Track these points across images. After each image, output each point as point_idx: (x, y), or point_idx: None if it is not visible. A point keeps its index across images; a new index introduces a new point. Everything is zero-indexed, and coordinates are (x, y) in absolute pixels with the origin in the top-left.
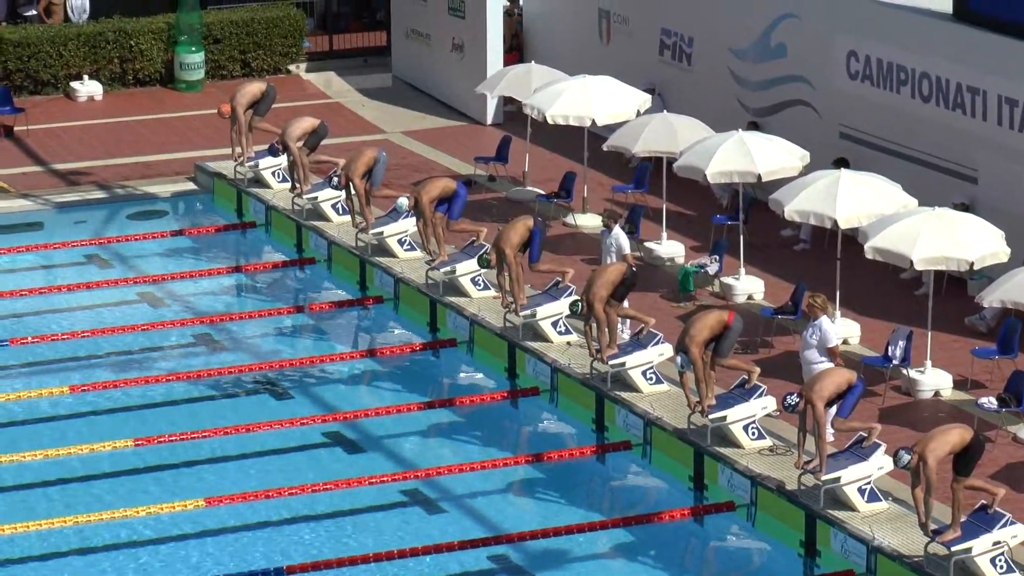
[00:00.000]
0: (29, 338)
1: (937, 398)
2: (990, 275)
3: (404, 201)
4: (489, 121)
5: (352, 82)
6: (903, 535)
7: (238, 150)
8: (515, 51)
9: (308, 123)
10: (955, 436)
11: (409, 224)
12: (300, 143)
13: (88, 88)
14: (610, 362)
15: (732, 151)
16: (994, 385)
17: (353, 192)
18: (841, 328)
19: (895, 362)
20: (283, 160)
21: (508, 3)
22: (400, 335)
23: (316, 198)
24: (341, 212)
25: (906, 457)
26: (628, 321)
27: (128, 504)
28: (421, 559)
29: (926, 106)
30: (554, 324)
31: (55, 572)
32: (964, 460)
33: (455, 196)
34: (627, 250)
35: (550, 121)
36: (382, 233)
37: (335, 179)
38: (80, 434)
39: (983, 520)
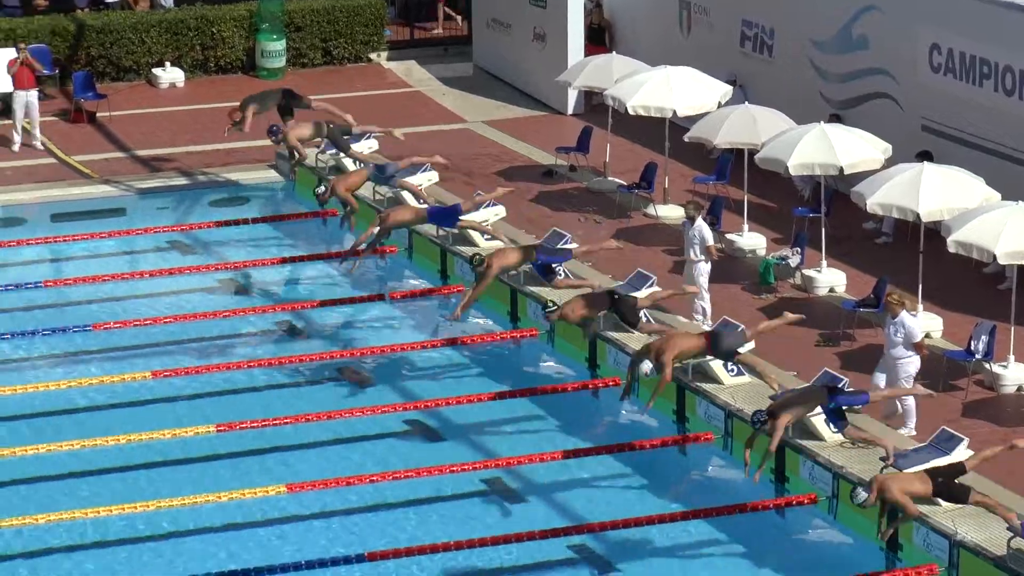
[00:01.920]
0: (112, 323)
1: (1020, 393)
2: None
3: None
4: (570, 111)
5: (433, 71)
6: (986, 530)
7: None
8: (601, 37)
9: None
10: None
11: (490, 213)
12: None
13: (170, 75)
14: None
15: (814, 143)
16: None
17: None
18: (924, 322)
19: (978, 356)
20: (366, 146)
21: None
22: (481, 324)
23: (396, 188)
24: (422, 201)
25: (863, 495)
26: (708, 313)
27: (210, 490)
28: (502, 548)
29: (1009, 100)
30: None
31: (137, 556)
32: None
33: (552, 258)
34: (710, 242)
35: (631, 112)
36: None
37: (324, 186)
38: (162, 419)
39: None
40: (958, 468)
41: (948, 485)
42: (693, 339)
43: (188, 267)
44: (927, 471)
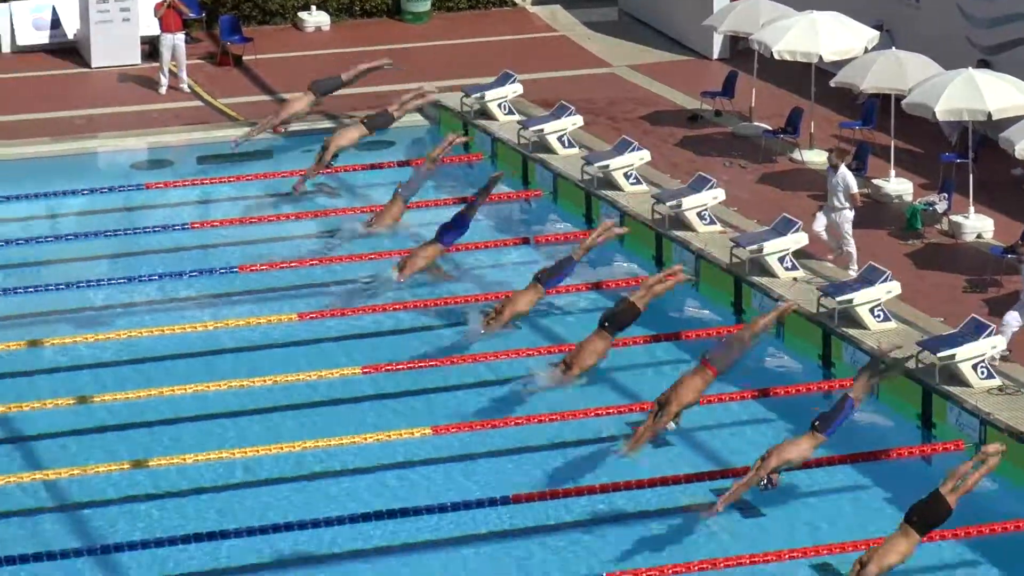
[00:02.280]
0: (258, 265)
1: None
2: None
3: None
4: (715, 56)
5: (578, 15)
6: None
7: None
8: None
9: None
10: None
11: (635, 158)
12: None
13: (316, 18)
14: (837, 298)
15: (961, 88)
16: None
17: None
18: None
19: None
20: (511, 90)
21: None
22: (626, 268)
23: (542, 130)
24: (567, 145)
25: None
26: (854, 259)
27: (356, 431)
28: (647, 491)
29: None
30: (781, 260)
31: (283, 496)
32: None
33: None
34: (854, 189)
35: (777, 57)
36: (608, 166)
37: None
38: (308, 361)
39: None
40: (934, 497)
41: (926, 517)
42: (698, 377)
43: (333, 210)
44: (906, 518)
